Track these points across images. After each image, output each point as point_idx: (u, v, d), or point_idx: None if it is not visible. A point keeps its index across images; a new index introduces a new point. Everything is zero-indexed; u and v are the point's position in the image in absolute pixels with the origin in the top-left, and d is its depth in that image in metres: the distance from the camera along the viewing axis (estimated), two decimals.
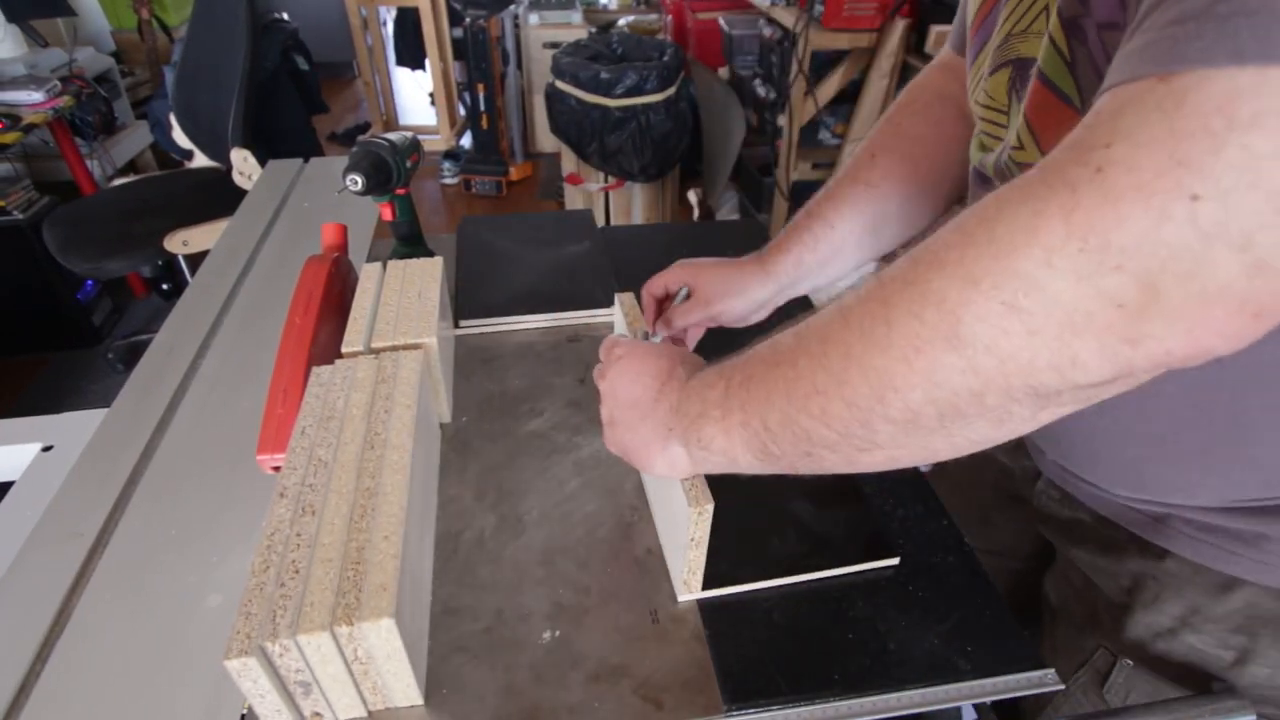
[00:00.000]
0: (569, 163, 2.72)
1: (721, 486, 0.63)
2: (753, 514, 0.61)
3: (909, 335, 0.32)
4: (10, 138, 2.01)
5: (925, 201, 0.62)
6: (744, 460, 0.42)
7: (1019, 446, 0.66)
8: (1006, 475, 0.70)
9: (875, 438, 0.36)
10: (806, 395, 0.36)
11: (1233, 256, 0.25)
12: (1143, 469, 0.50)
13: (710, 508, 0.49)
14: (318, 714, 0.46)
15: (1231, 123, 0.24)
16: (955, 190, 0.63)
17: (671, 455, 0.46)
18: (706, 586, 0.55)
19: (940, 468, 0.72)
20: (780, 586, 0.56)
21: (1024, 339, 0.29)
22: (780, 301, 0.66)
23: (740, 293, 0.64)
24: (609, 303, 0.86)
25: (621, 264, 0.95)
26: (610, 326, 0.85)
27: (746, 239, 1.05)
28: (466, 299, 0.88)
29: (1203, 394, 0.45)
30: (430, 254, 0.86)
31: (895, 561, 0.57)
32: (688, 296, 0.66)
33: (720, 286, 0.64)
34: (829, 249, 0.63)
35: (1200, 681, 0.55)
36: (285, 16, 2.37)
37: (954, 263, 0.30)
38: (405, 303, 0.69)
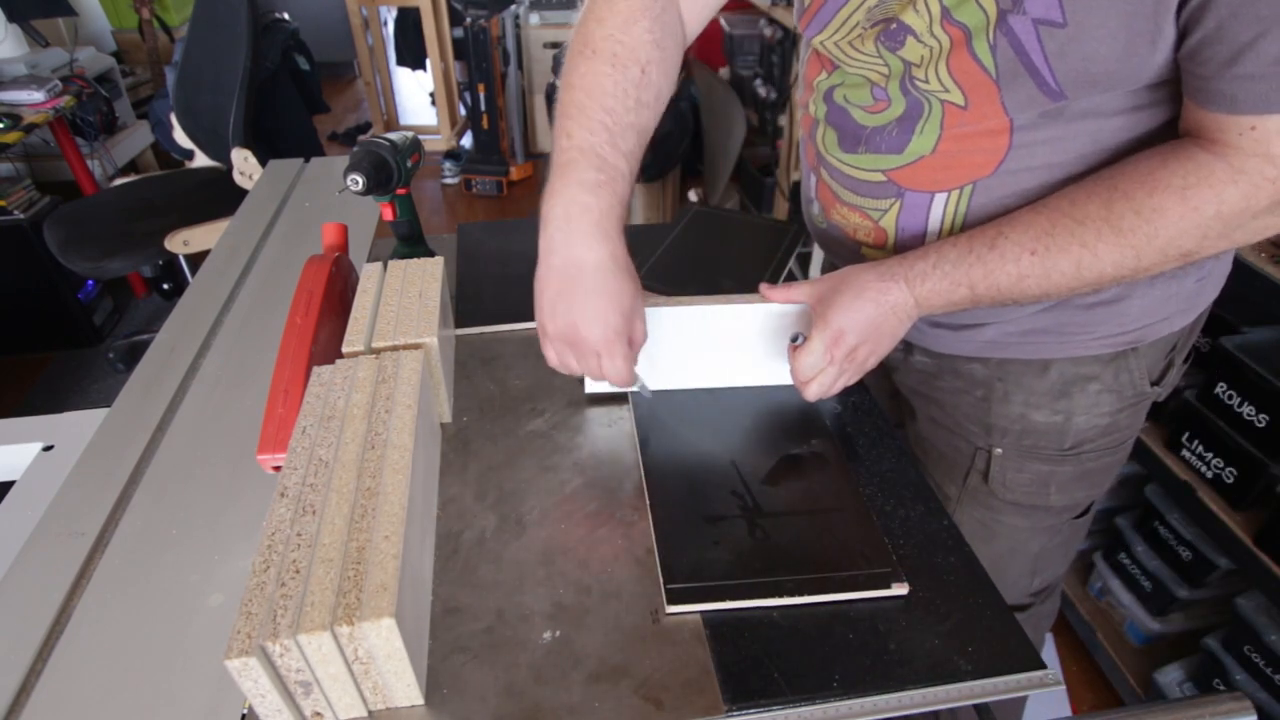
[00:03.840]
0: None
1: (726, 498, 0.63)
2: (756, 530, 0.61)
3: (1151, 264, 0.54)
4: (11, 137, 2.01)
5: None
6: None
7: None
8: None
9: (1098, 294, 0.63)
10: (1060, 290, 0.57)
11: None
12: None
13: None
14: (318, 714, 0.46)
15: None
16: None
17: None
18: (698, 600, 0.54)
19: None
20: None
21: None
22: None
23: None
24: None
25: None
26: None
27: (747, 238, 1.05)
28: (465, 307, 0.88)
29: None
30: (431, 254, 0.86)
31: (905, 591, 0.55)
32: None
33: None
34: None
35: (1048, 448, 0.73)
36: (286, 16, 2.37)
37: (1171, 224, 0.51)
38: (406, 302, 0.69)
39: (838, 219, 0.72)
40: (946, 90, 0.58)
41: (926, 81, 0.59)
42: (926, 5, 0.55)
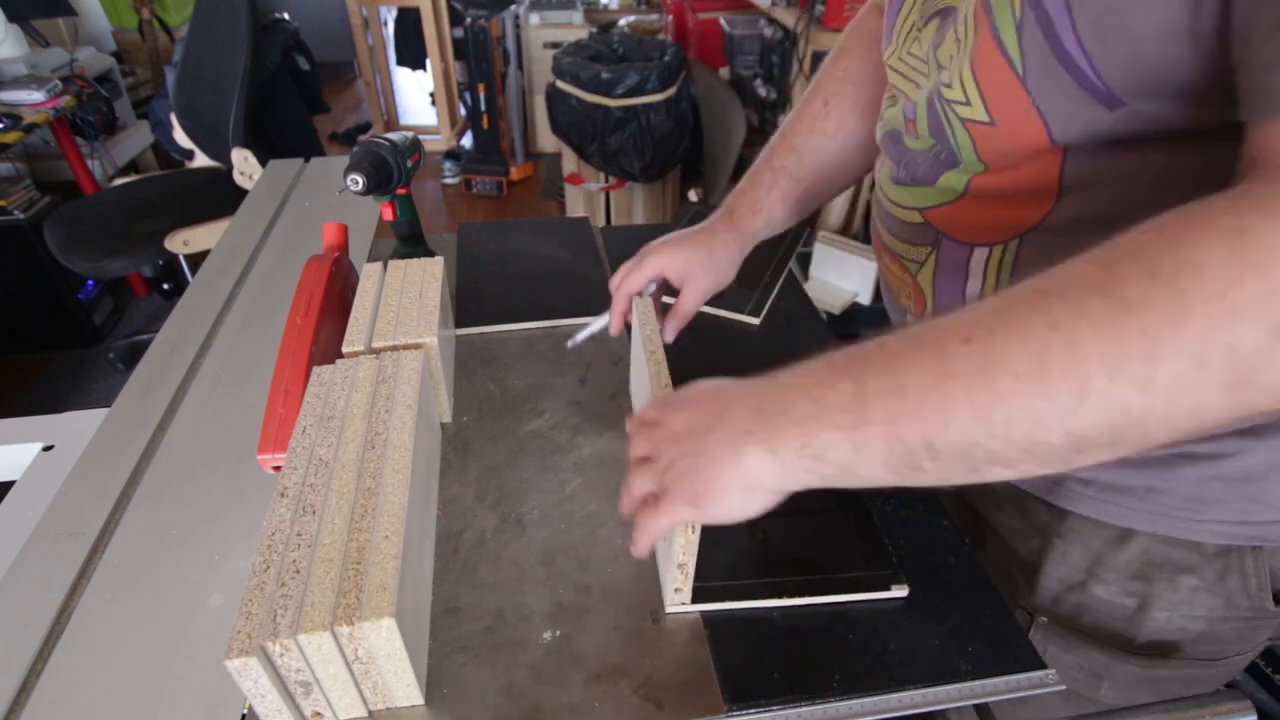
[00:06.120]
0: (570, 163, 2.72)
1: None
2: (756, 531, 0.61)
3: (1176, 377, 0.29)
4: (11, 137, 2.01)
5: (873, 145, 0.64)
6: (868, 474, 0.37)
7: None
8: None
9: (1082, 457, 0.32)
10: (1010, 420, 0.32)
11: None
12: None
13: (698, 529, 0.48)
14: (318, 714, 0.46)
15: None
16: None
17: (748, 468, 0.39)
18: (697, 600, 0.54)
19: None
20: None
21: None
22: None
23: (726, 270, 0.68)
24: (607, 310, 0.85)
25: (621, 264, 0.95)
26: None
27: None
28: (466, 307, 0.88)
29: None
30: (431, 254, 0.86)
31: (905, 593, 0.55)
32: (658, 289, 0.69)
33: (705, 269, 0.67)
34: (796, 205, 0.70)
35: (1110, 635, 0.59)
36: (286, 16, 2.37)
37: (1215, 294, 0.28)
38: (406, 302, 0.69)
39: (884, 270, 0.63)
40: (969, 102, 0.45)
41: (950, 87, 0.46)
42: None
